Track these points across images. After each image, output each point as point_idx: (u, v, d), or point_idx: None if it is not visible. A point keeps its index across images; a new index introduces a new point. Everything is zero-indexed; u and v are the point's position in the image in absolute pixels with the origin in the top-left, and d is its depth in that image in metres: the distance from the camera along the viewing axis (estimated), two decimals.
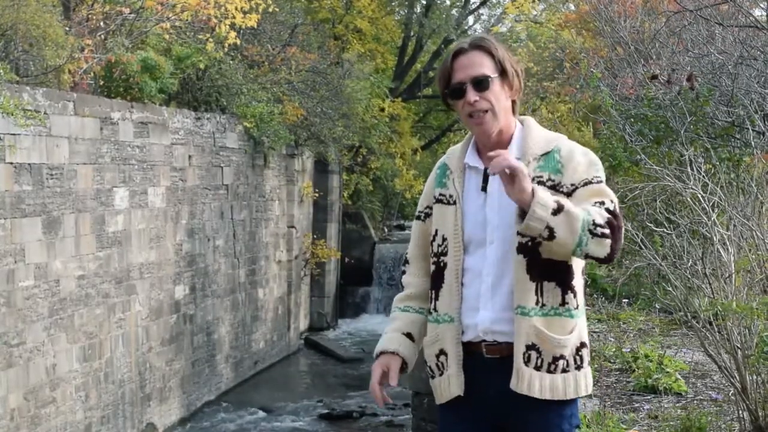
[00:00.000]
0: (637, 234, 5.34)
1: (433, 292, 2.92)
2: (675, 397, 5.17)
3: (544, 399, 2.75)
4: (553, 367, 2.75)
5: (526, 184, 2.58)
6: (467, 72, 2.81)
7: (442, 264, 2.89)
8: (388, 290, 22.04)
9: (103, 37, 12.27)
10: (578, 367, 2.80)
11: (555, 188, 2.76)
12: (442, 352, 2.89)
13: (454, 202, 2.88)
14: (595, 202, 2.71)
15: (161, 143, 12.57)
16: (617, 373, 5.76)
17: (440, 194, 2.93)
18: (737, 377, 4.20)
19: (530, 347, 2.75)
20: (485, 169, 2.85)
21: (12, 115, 8.73)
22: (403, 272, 3.08)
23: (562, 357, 2.77)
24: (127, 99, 11.80)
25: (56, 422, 10.20)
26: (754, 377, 4.16)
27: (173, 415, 13.18)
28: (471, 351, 2.85)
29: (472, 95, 2.80)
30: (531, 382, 2.74)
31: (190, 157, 13.49)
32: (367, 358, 18.09)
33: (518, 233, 2.73)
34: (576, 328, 2.79)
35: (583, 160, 2.79)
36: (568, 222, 2.61)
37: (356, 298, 22.21)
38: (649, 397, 5.21)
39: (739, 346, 4.19)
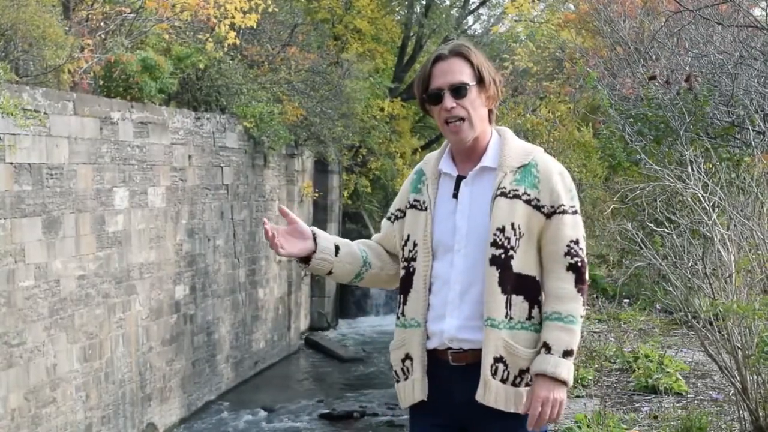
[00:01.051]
0: (637, 234, 5.34)
1: (402, 296, 2.93)
2: (675, 397, 5.17)
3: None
4: (518, 380, 2.78)
5: (564, 395, 2.77)
6: (446, 78, 2.82)
7: (411, 269, 2.90)
8: (388, 290, 22.02)
9: (102, 36, 12.28)
10: None
11: (529, 203, 2.79)
12: (407, 357, 2.90)
13: (426, 208, 2.90)
14: (571, 242, 2.78)
15: (161, 143, 12.57)
16: (618, 373, 5.76)
17: (414, 200, 2.95)
18: (738, 377, 4.20)
19: (498, 360, 2.77)
20: (458, 176, 2.88)
21: (12, 115, 8.73)
22: None
23: (527, 371, 2.79)
24: (127, 99, 11.80)
25: (57, 422, 10.20)
26: (755, 377, 4.16)
27: (174, 415, 13.19)
28: (436, 358, 2.86)
29: (449, 102, 2.81)
30: (497, 395, 2.77)
31: (190, 157, 13.49)
32: (368, 358, 18.10)
33: (491, 245, 2.77)
34: (539, 343, 2.81)
35: (560, 181, 2.82)
36: (574, 349, 2.81)
37: (356, 298, 22.21)
38: (649, 397, 5.22)
39: (739, 346, 4.19)
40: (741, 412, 4.26)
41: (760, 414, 4.12)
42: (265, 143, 15.80)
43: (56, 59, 10.70)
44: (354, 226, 22.44)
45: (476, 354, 2.80)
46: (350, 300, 22.02)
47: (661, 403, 5.07)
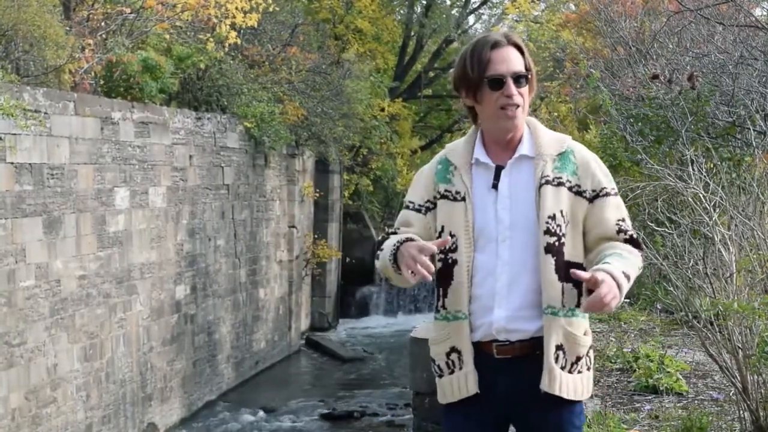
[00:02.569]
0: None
1: (441, 289, 2.88)
2: (676, 397, 5.17)
3: (556, 397, 2.78)
4: (573, 367, 2.80)
5: (617, 294, 2.65)
6: (508, 66, 2.83)
7: (450, 261, 2.85)
8: (389, 290, 22.05)
9: (103, 37, 12.28)
10: (589, 368, 2.86)
11: (572, 189, 2.81)
12: (453, 350, 2.86)
13: (463, 198, 2.85)
14: (618, 221, 2.82)
15: (162, 143, 12.57)
16: (618, 373, 5.76)
17: (446, 190, 2.89)
18: (738, 377, 4.20)
19: (559, 348, 2.78)
20: (497, 166, 2.86)
21: (12, 116, 8.73)
22: (387, 237, 2.96)
23: (582, 357, 2.82)
24: (128, 99, 11.80)
25: (57, 422, 10.20)
26: (755, 377, 4.16)
27: (174, 415, 13.19)
28: (480, 350, 2.84)
29: (512, 89, 2.82)
30: (561, 383, 2.78)
31: (190, 156, 13.49)
32: (368, 358, 18.10)
33: (545, 233, 2.77)
34: (588, 330, 2.85)
35: (597, 167, 2.87)
36: (631, 281, 2.73)
37: (357, 298, 22.21)
38: (650, 397, 5.22)
39: (740, 346, 4.18)
40: (741, 412, 4.26)
41: (761, 414, 4.11)
42: (266, 143, 15.80)
43: (57, 59, 10.70)
44: (355, 226, 22.42)
45: (523, 346, 2.79)
46: (351, 300, 22.02)
47: (661, 403, 5.07)
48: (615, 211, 2.83)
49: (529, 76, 2.85)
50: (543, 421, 2.82)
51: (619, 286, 2.63)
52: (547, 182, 2.80)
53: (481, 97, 2.86)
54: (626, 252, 2.77)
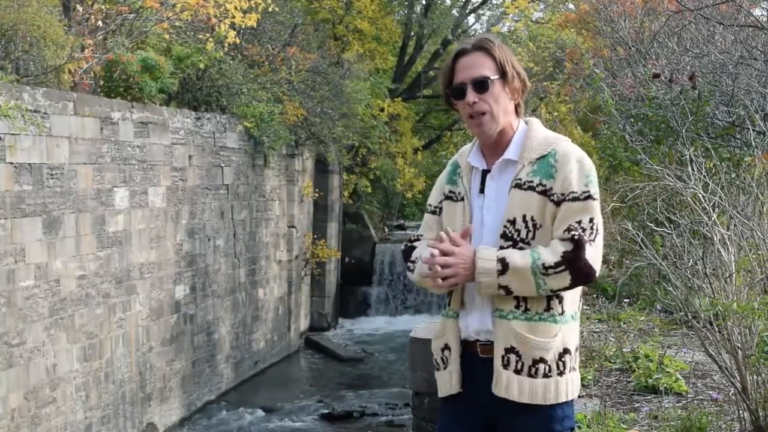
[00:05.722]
0: (637, 234, 5.34)
1: None
2: (675, 397, 5.17)
3: (525, 402, 2.77)
4: (533, 370, 2.76)
5: (466, 274, 2.76)
6: (468, 73, 2.82)
7: None
8: (388, 290, 22.05)
9: (103, 36, 12.27)
10: (560, 373, 2.79)
11: (545, 194, 2.77)
12: (446, 347, 2.93)
13: (462, 199, 2.91)
14: (575, 222, 2.74)
15: (161, 143, 12.57)
16: (618, 373, 5.76)
17: (450, 191, 2.96)
18: (738, 377, 4.20)
19: (509, 350, 2.76)
20: (483, 171, 2.89)
21: (9, 117, 8.72)
22: (411, 247, 3.05)
23: (542, 360, 2.76)
24: (128, 99, 11.79)
25: (56, 422, 10.20)
26: (755, 377, 4.16)
27: (174, 415, 13.18)
28: (469, 349, 2.89)
29: (471, 96, 2.81)
30: (509, 386, 2.76)
31: (190, 157, 13.49)
32: (368, 358, 18.10)
33: (501, 237, 2.79)
34: (560, 334, 2.79)
35: (575, 169, 2.78)
36: (516, 276, 2.71)
37: (356, 298, 22.20)
38: (649, 397, 5.22)
39: (739, 346, 4.19)
40: (741, 412, 4.26)
41: (760, 414, 4.12)
42: (266, 143, 15.79)
43: (57, 59, 10.69)
44: (354, 226, 22.42)
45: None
46: (350, 300, 22.01)
47: (661, 403, 5.07)
48: (577, 214, 2.75)
49: (491, 80, 2.80)
50: (516, 424, 2.81)
51: (475, 268, 2.73)
52: (518, 186, 2.79)
53: (456, 107, 2.90)
54: (538, 248, 2.73)
